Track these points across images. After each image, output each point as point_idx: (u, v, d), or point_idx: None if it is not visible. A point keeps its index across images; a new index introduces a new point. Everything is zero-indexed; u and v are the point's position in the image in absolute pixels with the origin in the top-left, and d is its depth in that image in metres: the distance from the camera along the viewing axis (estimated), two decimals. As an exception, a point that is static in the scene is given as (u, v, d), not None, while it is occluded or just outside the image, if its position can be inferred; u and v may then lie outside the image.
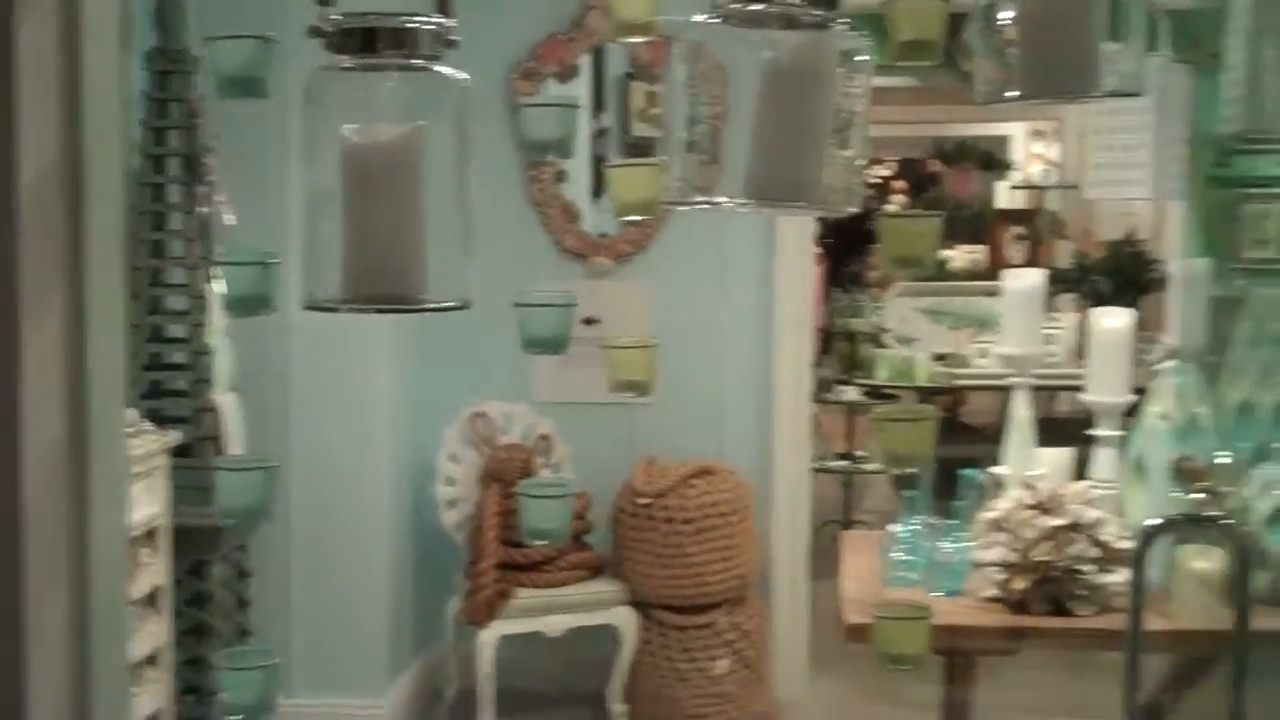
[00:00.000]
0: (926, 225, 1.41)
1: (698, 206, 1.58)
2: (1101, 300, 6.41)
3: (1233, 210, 7.36)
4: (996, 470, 3.19)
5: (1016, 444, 3.18)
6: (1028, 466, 3.12)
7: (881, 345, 6.39)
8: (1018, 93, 1.49)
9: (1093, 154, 2.93)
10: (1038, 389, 6.73)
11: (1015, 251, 9.87)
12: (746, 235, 4.64)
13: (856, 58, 1.55)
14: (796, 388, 4.68)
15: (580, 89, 4.80)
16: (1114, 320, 3.08)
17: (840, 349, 6.51)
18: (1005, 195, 9.83)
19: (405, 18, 1.42)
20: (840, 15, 1.53)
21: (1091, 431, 3.10)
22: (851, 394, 6.09)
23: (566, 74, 4.73)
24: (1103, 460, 3.08)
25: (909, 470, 1.48)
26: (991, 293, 6.96)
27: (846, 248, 8.78)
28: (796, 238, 4.63)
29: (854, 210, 1.58)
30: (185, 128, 3.71)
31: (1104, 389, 3.07)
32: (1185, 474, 2.79)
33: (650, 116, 4.71)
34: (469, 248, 1.49)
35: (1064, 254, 9.71)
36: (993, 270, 9.71)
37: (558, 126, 1.48)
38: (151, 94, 3.69)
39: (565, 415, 4.52)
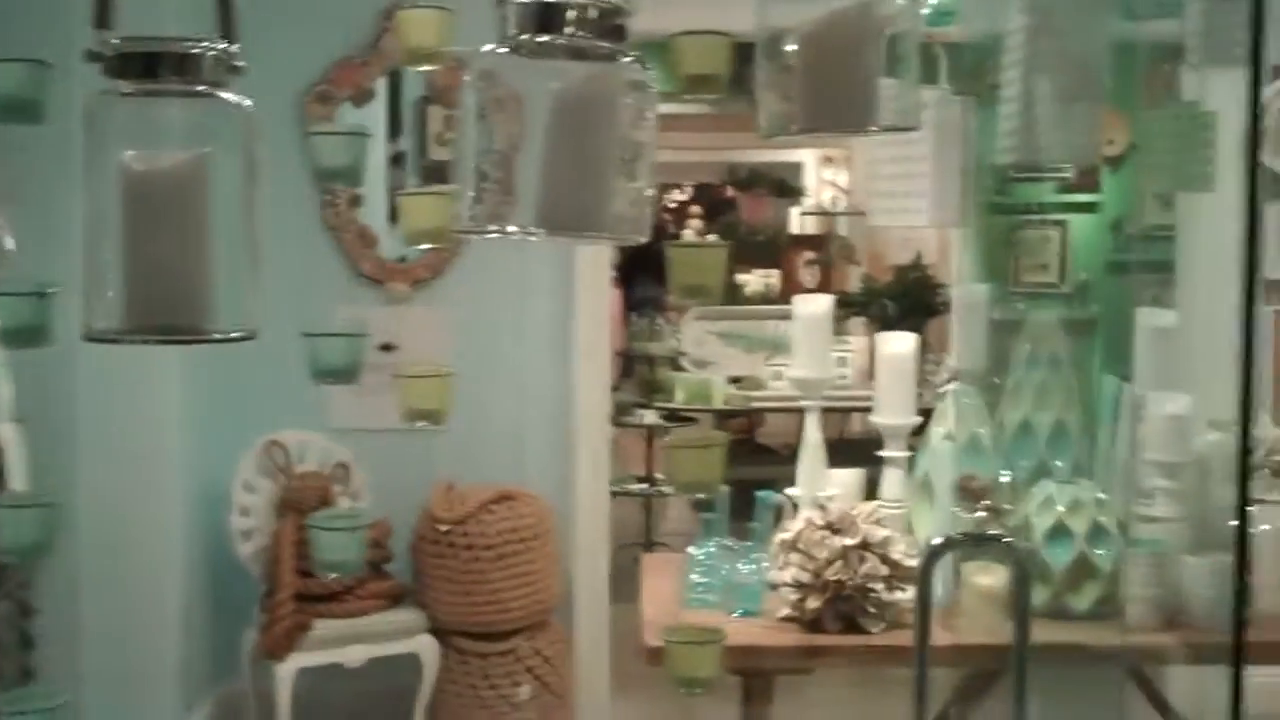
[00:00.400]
0: (712, 255, 1.44)
1: (489, 236, 1.59)
2: (889, 324, 6.60)
3: (1011, 236, 7.66)
4: (790, 492, 3.26)
5: (808, 466, 3.25)
6: (820, 487, 3.19)
7: (679, 368, 6.46)
8: (799, 127, 1.54)
9: (876, 183, 3.02)
10: (831, 410, 6.91)
11: (808, 276, 10.10)
12: (544, 260, 4.65)
13: (643, 89, 1.57)
14: (595, 411, 4.70)
15: (377, 112, 4.76)
16: (898, 345, 3.18)
17: (639, 372, 6.57)
18: (798, 221, 10.05)
19: (188, 43, 1.40)
20: (627, 47, 1.56)
21: (881, 452, 3.19)
22: (650, 417, 6.15)
23: (362, 97, 4.68)
24: (891, 480, 3.18)
25: (701, 496, 1.50)
26: (785, 317, 7.08)
27: (644, 272, 8.87)
28: (594, 263, 4.66)
29: (642, 240, 1.60)
30: (-41, 152, 3.57)
31: (891, 411, 3.17)
32: (968, 492, 2.89)
33: (448, 140, 4.70)
34: (256, 277, 1.47)
35: (855, 278, 9.98)
36: (787, 294, 9.93)
37: (346, 155, 1.47)
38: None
39: (363, 442, 4.47)
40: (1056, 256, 7.70)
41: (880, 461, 3.27)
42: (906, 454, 3.19)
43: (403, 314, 4.62)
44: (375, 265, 4.68)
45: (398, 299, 4.67)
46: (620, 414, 6.11)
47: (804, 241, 9.14)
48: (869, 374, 6.09)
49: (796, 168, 10.71)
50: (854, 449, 7.38)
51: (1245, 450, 1.91)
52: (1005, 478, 3.07)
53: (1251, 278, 1.92)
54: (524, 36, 1.54)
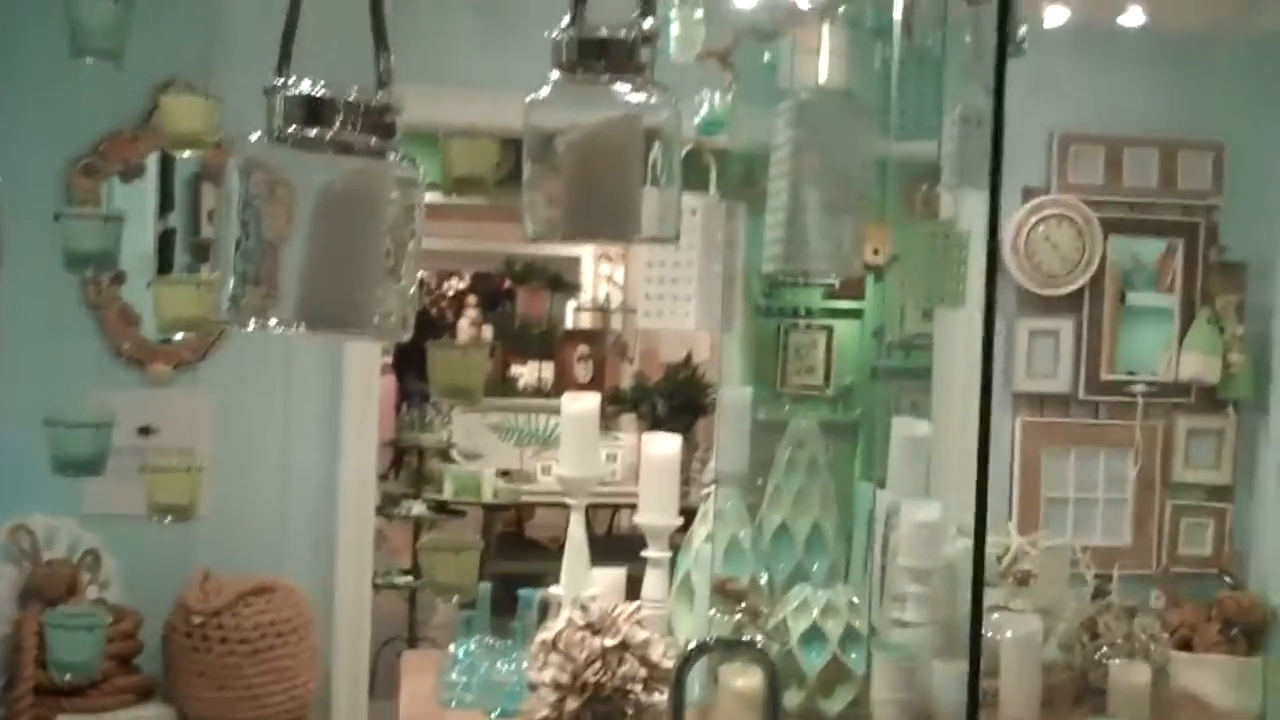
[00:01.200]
0: (474, 357, 1.44)
1: (248, 328, 1.57)
2: (659, 422, 6.68)
3: (779, 339, 7.86)
4: (554, 590, 3.25)
5: (572, 563, 3.25)
6: (583, 586, 3.19)
7: (449, 460, 6.41)
8: (563, 233, 1.56)
9: (644, 285, 3.07)
10: (599, 507, 6.94)
11: (581, 370, 10.16)
12: (312, 347, 4.58)
13: (411, 187, 1.58)
14: (361, 502, 4.63)
15: (146, 188, 4.65)
16: (663, 445, 3.22)
17: (409, 463, 6.49)
18: (573, 316, 10.14)
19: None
20: (395, 144, 1.56)
21: (645, 553, 3.21)
22: (418, 509, 6.07)
23: (131, 172, 4.56)
24: (652, 580, 3.20)
25: (456, 598, 1.49)
26: (557, 411, 7.13)
27: (415, 363, 8.82)
28: (363, 352, 4.61)
29: (405, 339, 1.60)
30: None
31: (654, 511, 3.19)
32: (726, 594, 2.93)
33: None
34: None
35: (628, 374, 10.08)
36: (560, 388, 9.96)
37: (100, 239, 1.42)
38: None
39: (116, 529, 4.30)
40: (822, 360, 7.95)
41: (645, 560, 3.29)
42: (669, 554, 3.22)
43: (163, 397, 4.49)
44: (137, 345, 4.53)
45: (159, 381, 4.53)
46: (388, 505, 6.02)
47: (579, 336, 9.21)
48: (638, 471, 6.15)
49: (574, 262, 10.81)
50: (622, 545, 7.42)
51: (980, 558, 1.97)
52: (763, 580, 3.12)
53: (988, 389, 2.00)
54: (291, 128, 1.54)
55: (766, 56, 3.19)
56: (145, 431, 4.41)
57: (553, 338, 8.40)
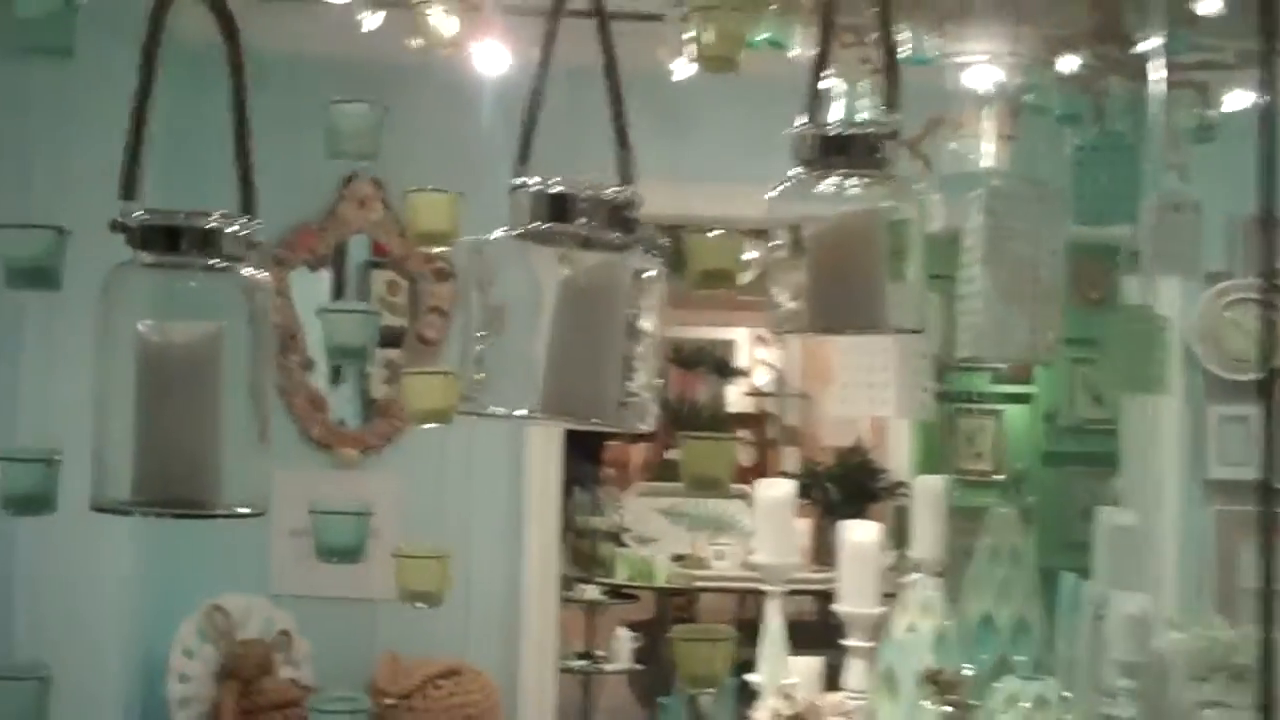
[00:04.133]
0: (726, 447, 1.45)
1: (493, 417, 1.60)
2: (831, 507, 6.61)
3: (948, 424, 7.74)
4: (751, 678, 3.22)
5: (771, 652, 3.23)
6: (782, 674, 3.16)
7: (621, 544, 6.42)
8: (810, 326, 1.56)
9: (840, 372, 3.05)
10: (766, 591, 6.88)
11: (744, 456, 10.13)
12: (496, 431, 4.64)
13: (651, 279, 1.59)
14: (544, 586, 4.66)
15: (324, 277, 4.78)
16: (862, 533, 3.19)
17: (579, 547, 6.52)
18: (736, 399, 10.12)
19: (210, 217, 1.41)
20: (636, 238, 1.58)
21: (845, 641, 3.17)
22: (592, 592, 6.09)
23: (317, 263, 4.70)
24: (855, 671, 3.15)
25: (707, 691, 1.49)
26: (728, 495, 7.11)
27: (586, 444, 8.86)
28: (546, 437, 4.66)
29: (647, 429, 1.61)
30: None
31: (855, 600, 3.16)
32: (936, 686, 2.88)
33: (391, 304, 4.69)
34: (265, 451, 1.46)
35: (790, 459, 9.99)
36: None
37: (360, 334, 1.47)
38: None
39: (305, 609, 4.38)
40: (991, 445, 7.82)
41: (827, 646, 3.25)
42: (871, 644, 3.17)
43: (351, 479, 4.58)
44: (324, 429, 4.64)
45: (346, 464, 4.62)
46: (561, 588, 6.03)
47: (741, 420, 9.19)
48: (812, 557, 6.09)
49: (730, 345, 10.81)
50: (794, 632, 7.34)
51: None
52: (969, 671, 3.06)
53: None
54: (535, 224, 1.57)
55: (954, 145, 3.18)
56: (335, 515, 4.49)
57: (716, 422, 8.39)
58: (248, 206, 1.46)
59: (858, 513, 6.76)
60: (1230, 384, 4.72)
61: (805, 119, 1.57)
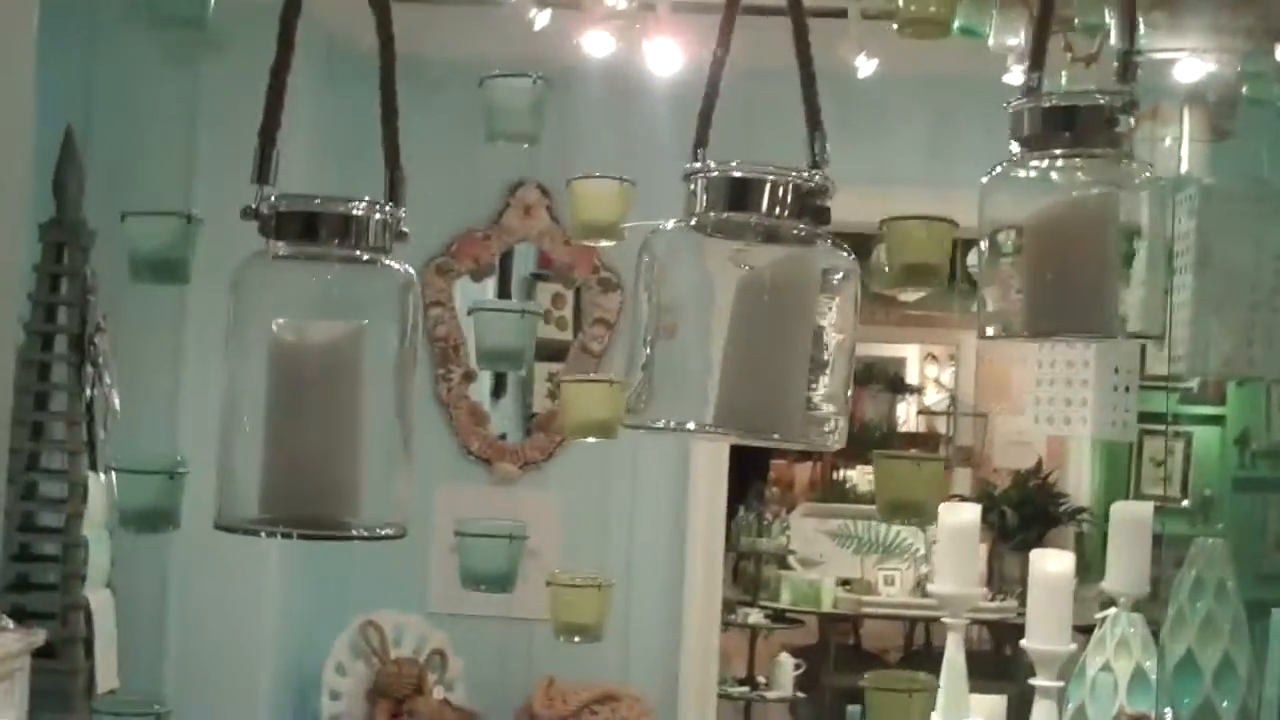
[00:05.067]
0: (930, 470, 1.27)
1: (662, 431, 1.42)
2: (1009, 532, 6.31)
3: (1133, 446, 7.37)
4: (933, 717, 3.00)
5: (950, 689, 2.99)
6: (963, 712, 2.93)
7: (786, 567, 6.21)
8: (1023, 330, 1.35)
9: (1034, 387, 2.82)
10: (940, 619, 6.60)
11: (914, 474, 9.84)
12: (660, 448, 4.48)
13: (843, 277, 1.40)
14: (706, 610, 4.48)
15: (488, 286, 4.68)
16: (1055, 564, 2.94)
17: (743, 569, 6.33)
18: (911, 418, 9.84)
19: (352, 204, 1.26)
20: (827, 230, 1.39)
21: (1034, 680, 2.93)
22: (755, 616, 5.89)
23: (481, 272, 4.59)
24: (1042, 711, 2.91)
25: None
26: (930, 522, 6.83)
27: (750, 461, 8.67)
28: (711, 454, 4.48)
29: (835, 448, 1.42)
30: (76, 304, 3.48)
31: (1045, 636, 2.91)
32: (1137, 733, 2.63)
33: (556, 319, 4.57)
34: (409, 466, 1.30)
35: (962, 481, 9.66)
36: (892, 492, 9.67)
37: (516, 336, 1.31)
38: (43, 267, 3.48)
39: (460, 628, 4.27)
40: (1179, 469, 7.42)
41: (1003, 679, 3.01)
42: (1060, 683, 2.92)
43: (511, 496, 4.46)
44: (484, 444, 4.53)
45: (506, 480, 4.50)
46: (723, 612, 5.84)
47: (912, 439, 8.91)
48: (986, 584, 5.82)
49: (900, 362, 10.52)
50: (968, 659, 7.04)
51: None
52: (1168, 717, 2.80)
53: None
54: (712, 214, 1.39)
55: (1167, 141, 2.93)
56: (492, 531, 4.37)
57: (889, 442, 8.13)
58: (394, 194, 1.30)
59: (1036, 539, 6.48)
60: None
61: (1024, 90, 1.37)
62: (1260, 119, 2.74)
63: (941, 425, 10.05)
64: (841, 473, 9.56)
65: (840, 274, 1.40)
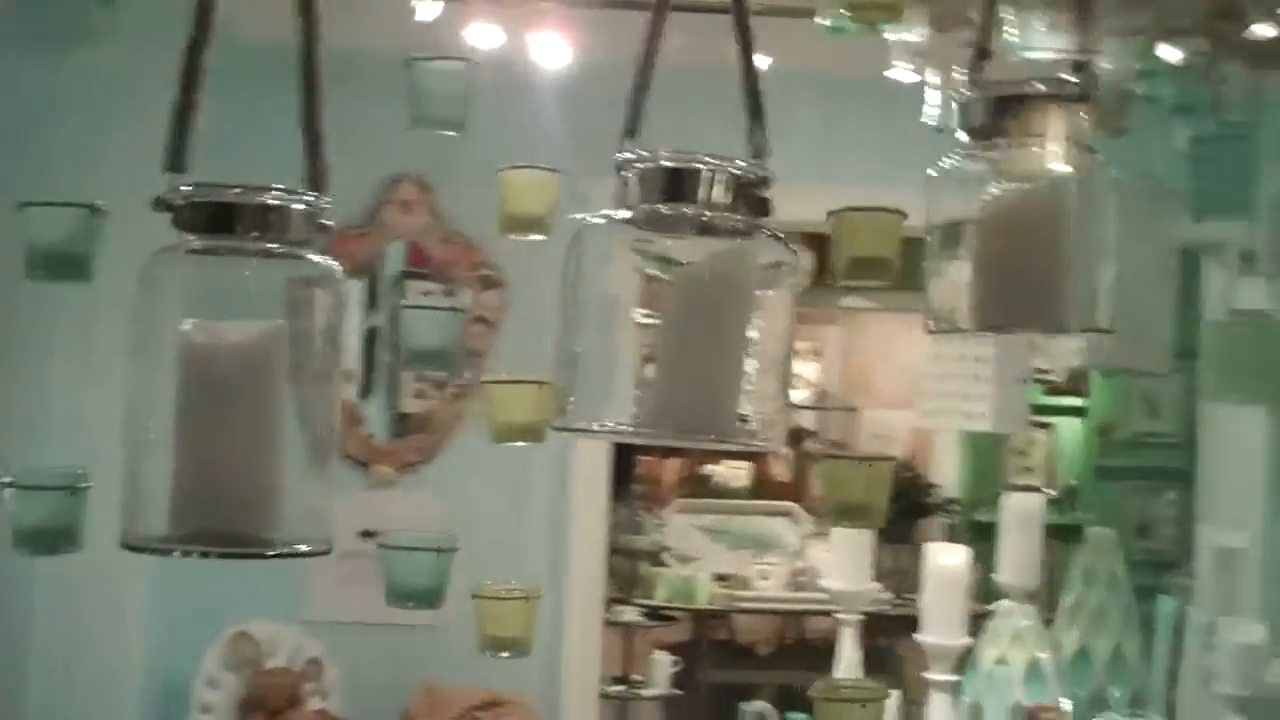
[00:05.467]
0: (879, 470, 1.22)
1: (595, 436, 1.36)
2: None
3: (1000, 437, 7.46)
4: (824, 714, 2.97)
5: (846, 686, 2.97)
6: (858, 711, 2.91)
7: (660, 564, 6.16)
8: (972, 325, 1.31)
9: (930, 381, 2.80)
10: (815, 613, 6.61)
11: (780, 469, 9.85)
12: (540, 450, 4.39)
13: (783, 272, 1.35)
14: (588, 609, 4.42)
15: (356, 286, 4.55)
16: (948, 557, 2.94)
17: (619, 566, 6.26)
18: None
19: (273, 193, 1.17)
20: (767, 223, 1.34)
21: (927, 674, 2.92)
22: (630, 614, 5.83)
23: (358, 270, 4.46)
24: (939, 706, 2.90)
25: None
26: (773, 513, 6.84)
27: (618, 459, 8.60)
28: (592, 451, 4.42)
29: (774, 450, 1.37)
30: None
31: (940, 630, 2.91)
32: (1038, 726, 2.63)
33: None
34: (330, 476, 1.22)
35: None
36: (757, 488, 9.66)
37: (443, 336, 1.23)
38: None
39: (338, 636, 4.15)
40: (1043, 460, 7.54)
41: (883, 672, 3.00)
42: (956, 677, 2.92)
43: (388, 499, 4.34)
44: (360, 446, 4.40)
45: (383, 483, 4.39)
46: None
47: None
48: (859, 576, 5.84)
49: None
50: (819, 652, 7.06)
51: None
52: (1067, 707, 2.81)
53: None
54: (645, 206, 1.33)
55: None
56: (368, 534, 4.25)
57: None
58: (317, 182, 1.22)
59: (908, 530, 6.53)
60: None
61: (966, 79, 1.33)
62: (1152, 116, 2.76)
63: (807, 421, 10.08)
64: (709, 468, 9.55)
65: (780, 267, 1.35)
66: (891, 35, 2.84)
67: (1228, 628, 2.86)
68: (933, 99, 2.92)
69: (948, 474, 7.26)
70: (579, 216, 1.36)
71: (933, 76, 2.95)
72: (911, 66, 2.98)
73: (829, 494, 1.26)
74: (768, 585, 5.91)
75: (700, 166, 1.30)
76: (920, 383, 2.83)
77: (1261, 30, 2.81)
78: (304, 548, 1.18)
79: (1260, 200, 2.84)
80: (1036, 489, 7.39)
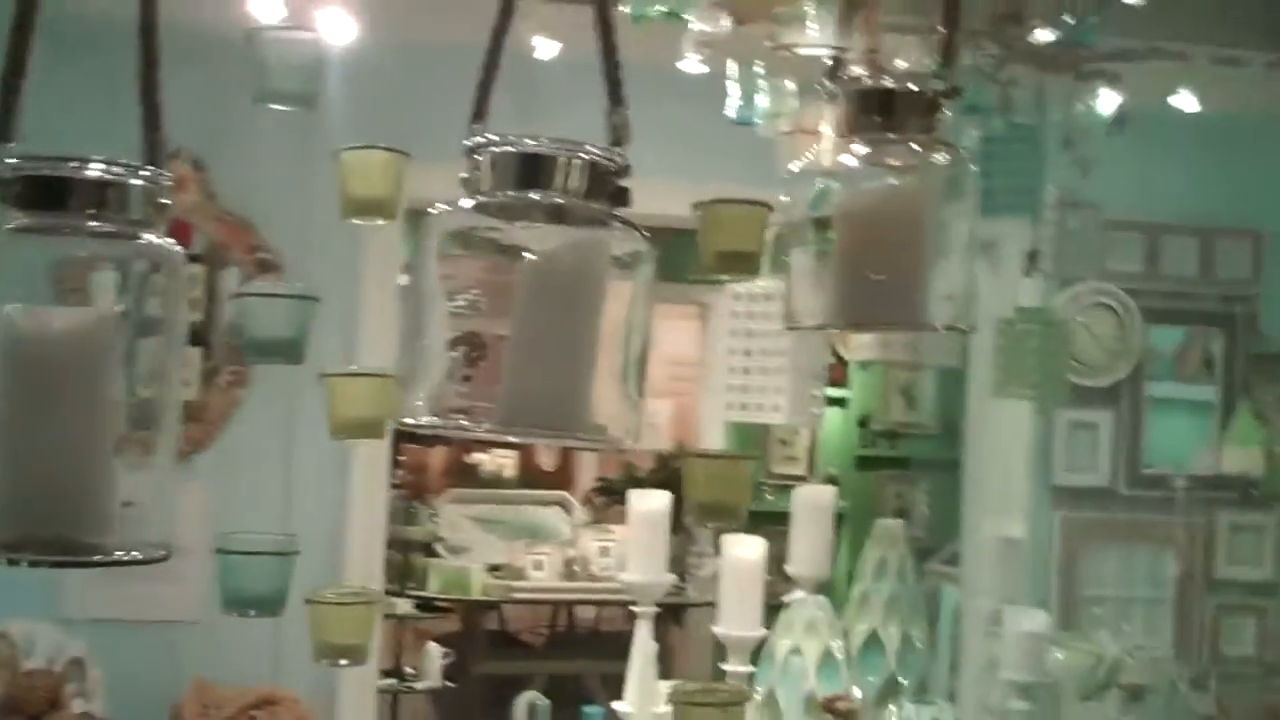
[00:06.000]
0: (742, 469, 1.19)
1: (440, 431, 1.30)
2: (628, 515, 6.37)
3: (764, 426, 7.59)
4: (620, 707, 2.95)
5: (641, 676, 2.96)
6: (653, 702, 2.90)
7: (434, 554, 6.07)
8: (833, 322, 1.30)
9: (727, 375, 2.81)
10: (590, 602, 6.61)
11: (546, 458, 9.83)
12: (318, 433, 4.27)
13: (637, 263, 1.32)
14: (365, 604, 4.30)
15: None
16: (746, 549, 2.94)
17: (391, 557, 6.14)
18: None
19: (111, 167, 1.07)
20: (623, 212, 1.30)
21: (724, 666, 2.93)
22: (403, 606, 5.72)
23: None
24: (735, 698, 2.91)
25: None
26: (546, 502, 6.81)
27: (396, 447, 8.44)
28: (372, 444, 4.30)
29: (630, 446, 1.33)
30: None
31: (736, 622, 2.91)
32: (836, 714, 2.66)
33: (200, 303, 4.26)
34: (173, 475, 1.14)
35: (590, 464, 9.71)
36: (525, 476, 9.62)
37: (291, 325, 1.15)
38: None
39: (102, 635, 3.95)
40: (805, 449, 7.71)
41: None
42: (751, 668, 2.93)
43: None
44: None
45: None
46: (370, 602, 5.63)
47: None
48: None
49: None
50: (605, 643, 7.07)
51: None
52: (857, 695, 2.86)
53: None
54: (497, 192, 1.28)
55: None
56: (134, 527, 4.07)
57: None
58: (153, 157, 1.13)
59: (677, 519, 6.59)
60: (1080, 390, 4.63)
61: (830, 71, 1.31)
62: (970, 122, 2.82)
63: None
64: (476, 457, 9.46)
65: (635, 257, 1.31)
66: (695, 25, 2.83)
67: (1012, 616, 2.94)
68: (734, 91, 2.93)
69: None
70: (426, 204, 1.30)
71: (733, 69, 2.96)
72: (700, 57, 2.97)
73: (695, 493, 1.23)
74: (541, 575, 5.88)
75: (557, 153, 1.26)
76: (706, 375, 2.82)
77: (1042, 35, 2.90)
78: (143, 554, 1.10)
79: (1044, 200, 2.93)
80: (802, 478, 7.59)
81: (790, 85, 2.85)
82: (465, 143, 1.30)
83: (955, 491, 4.85)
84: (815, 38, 2.79)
